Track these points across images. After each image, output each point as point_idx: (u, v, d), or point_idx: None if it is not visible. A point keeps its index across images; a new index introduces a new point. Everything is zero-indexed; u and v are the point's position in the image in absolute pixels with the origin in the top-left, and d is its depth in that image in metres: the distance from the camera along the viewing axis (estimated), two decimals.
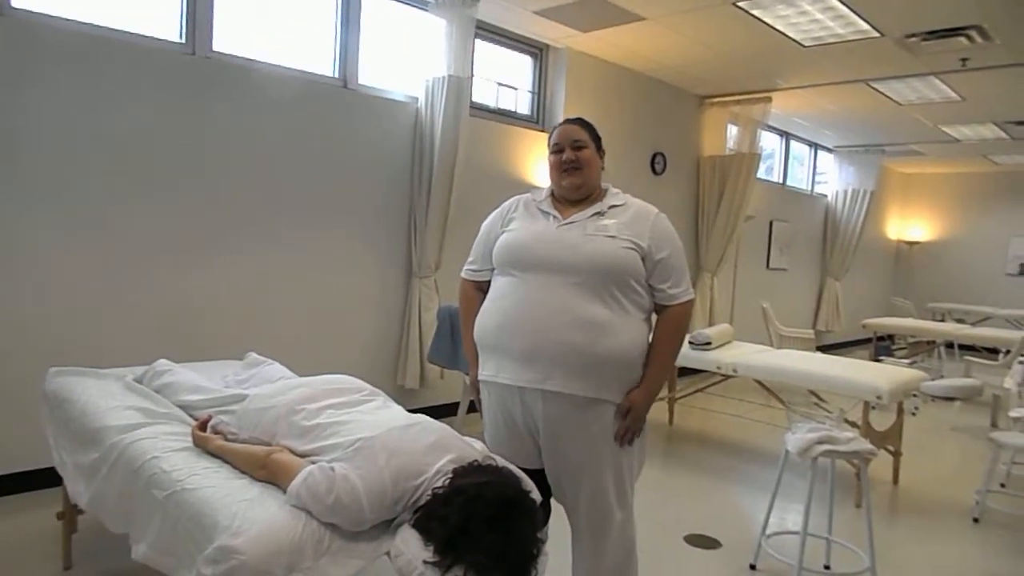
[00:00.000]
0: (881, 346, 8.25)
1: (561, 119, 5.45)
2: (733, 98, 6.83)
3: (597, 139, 2.10)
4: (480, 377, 2.05)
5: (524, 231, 2.03)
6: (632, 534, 2.04)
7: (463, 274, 2.22)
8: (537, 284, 1.92)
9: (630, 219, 1.98)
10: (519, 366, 1.92)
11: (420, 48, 4.51)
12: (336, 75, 4.33)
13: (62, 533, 2.54)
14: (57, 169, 3.22)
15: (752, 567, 2.93)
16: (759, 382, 4.63)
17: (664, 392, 5.21)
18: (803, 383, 4.32)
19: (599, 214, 1.99)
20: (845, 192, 9.38)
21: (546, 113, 5.66)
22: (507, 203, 2.16)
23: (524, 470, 1.90)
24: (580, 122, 2.10)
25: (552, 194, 2.10)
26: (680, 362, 4.59)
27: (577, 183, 2.02)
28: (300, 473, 1.64)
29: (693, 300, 2.03)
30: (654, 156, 6.51)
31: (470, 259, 2.20)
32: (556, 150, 2.06)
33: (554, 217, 2.02)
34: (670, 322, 2.00)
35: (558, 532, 2.08)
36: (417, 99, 4.56)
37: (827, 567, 2.92)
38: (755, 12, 4.54)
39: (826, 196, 9.60)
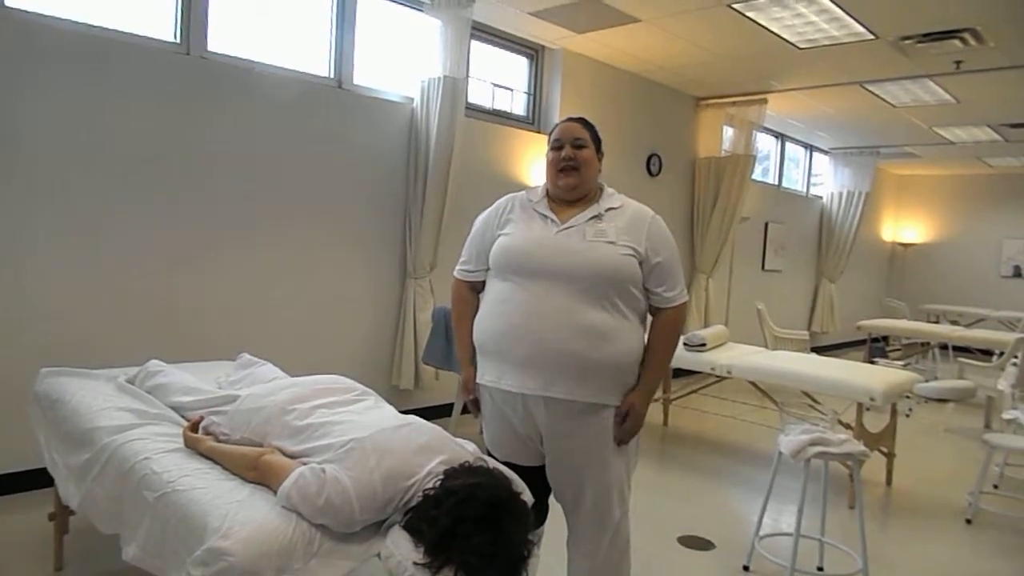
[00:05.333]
0: (875, 348, 8.25)
1: (557, 120, 5.51)
2: (729, 100, 6.84)
3: (598, 140, 2.09)
4: (481, 382, 2.04)
5: (523, 236, 2.00)
6: (627, 534, 2.05)
7: (456, 274, 2.18)
8: (538, 291, 1.91)
9: (627, 223, 1.97)
10: (521, 373, 1.91)
11: (416, 49, 4.51)
12: (331, 75, 4.32)
13: (54, 534, 2.53)
14: (49, 169, 3.21)
15: (745, 568, 2.93)
16: (753, 383, 4.64)
17: (659, 393, 5.21)
18: (797, 384, 4.32)
19: (597, 217, 1.97)
20: (840, 194, 9.40)
21: (542, 114, 5.66)
22: (501, 202, 2.13)
23: (524, 468, 1.90)
24: (582, 121, 2.09)
25: (548, 194, 2.08)
26: (675, 363, 4.59)
27: (573, 183, 2.00)
28: (291, 474, 1.64)
29: (687, 303, 2.04)
30: (649, 157, 6.52)
31: (463, 259, 2.16)
32: (556, 147, 2.04)
33: (552, 221, 1.99)
34: (665, 325, 2.00)
35: (553, 533, 2.08)
36: (413, 100, 4.56)
37: (820, 568, 2.93)
38: (750, 14, 4.55)
39: (821, 198, 9.62)
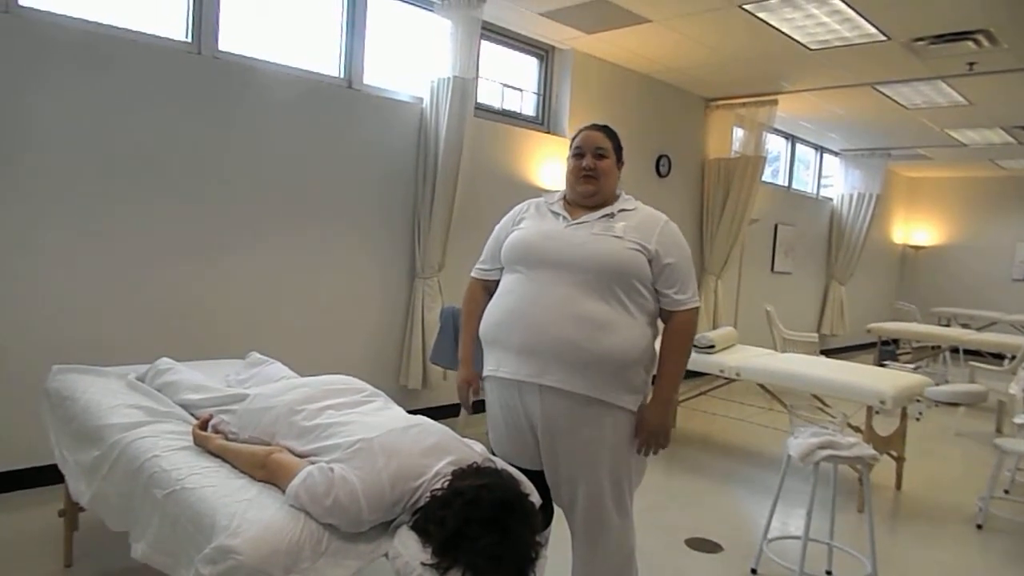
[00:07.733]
0: (885, 351, 8.22)
1: (566, 121, 5.56)
2: (739, 101, 6.82)
3: (619, 149, 2.11)
4: (484, 373, 2.06)
5: (533, 230, 2.04)
6: (631, 543, 2.03)
7: (473, 273, 2.24)
8: (541, 281, 1.93)
9: (638, 223, 1.99)
10: (518, 360, 1.93)
11: (425, 49, 4.52)
12: (341, 75, 4.33)
13: (63, 531, 2.55)
14: (61, 167, 3.23)
15: (753, 572, 2.91)
16: (762, 386, 4.62)
17: None
18: (806, 387, 4.30)
19: (608, 216, 2.00)
20: (850, 196, 9.35)
21: (551, 115, 5.66)
22: (520, 206, 2.18)
23: (526, 471, 1.89)
24: (606, 130, 2.10)
25: (565, 197, 2.11)
26: None
27: (591, 190, 2.03)
28: (299, 474, 1.64)
29: (699, 308, 2.04)
30: (659, 158, 6.50)
31: (481, 259, 2.22)
32: (577, 154, 2.07)
33: (563, 218, 2.03)
34: (676, 329, 2.00)
35: (561, 535, 2.07)
36: (422, 100, 4.56)
37: (829, 572, 2.91)
38: (761, 15, 4.53)
39: (831, 199, 9.57)
